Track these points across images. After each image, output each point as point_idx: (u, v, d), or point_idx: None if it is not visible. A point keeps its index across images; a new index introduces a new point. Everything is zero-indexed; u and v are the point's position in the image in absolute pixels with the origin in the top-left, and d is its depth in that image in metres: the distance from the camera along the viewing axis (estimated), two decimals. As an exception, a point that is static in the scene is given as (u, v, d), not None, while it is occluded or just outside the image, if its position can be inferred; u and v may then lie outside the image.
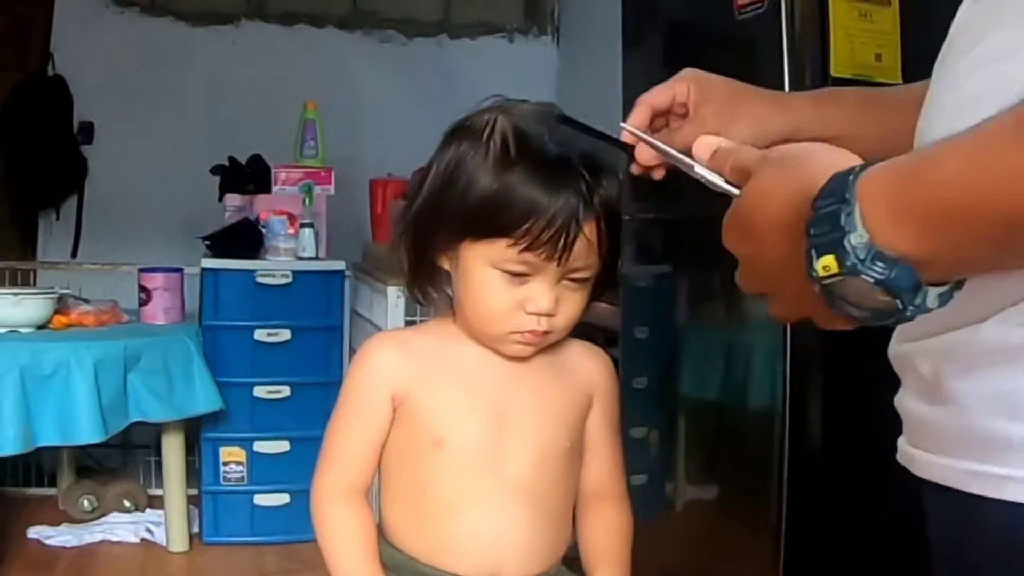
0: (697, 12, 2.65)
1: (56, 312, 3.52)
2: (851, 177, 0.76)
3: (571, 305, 1.38)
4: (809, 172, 0.81)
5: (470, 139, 1.36)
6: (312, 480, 1.45)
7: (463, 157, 1.35)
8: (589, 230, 1.32)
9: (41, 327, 3.46)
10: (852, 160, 0.81)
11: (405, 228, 1.43)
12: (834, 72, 2.20)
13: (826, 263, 0.76)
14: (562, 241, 1.30)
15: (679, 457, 2.73)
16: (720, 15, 2.40)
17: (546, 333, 1.37)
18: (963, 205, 0.72)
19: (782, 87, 2.16)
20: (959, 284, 0.78)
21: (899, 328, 0.91)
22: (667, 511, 2.73)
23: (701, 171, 0.96)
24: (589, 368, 1.51)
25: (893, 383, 0.95)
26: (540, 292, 1.34)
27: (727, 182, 0.93)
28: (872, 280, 0.74)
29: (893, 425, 0.95)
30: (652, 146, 1.17)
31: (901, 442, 0.95)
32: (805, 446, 2.17)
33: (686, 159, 0.99)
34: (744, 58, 2.32)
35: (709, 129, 1.19)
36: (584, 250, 1.32)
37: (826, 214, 0.76)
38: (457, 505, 1.40)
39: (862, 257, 0.74)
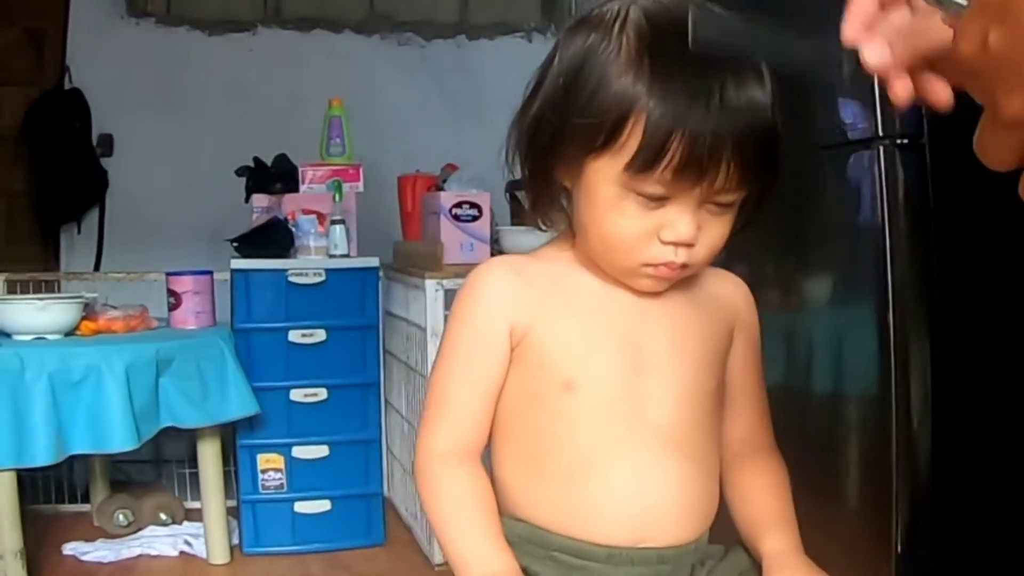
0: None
1: (83, 318, 3.30)
2: None
3: (714, 233, 1.13)
4: None
5: (598, 32, 1.11)
6: (416, 442, 1.20)
7: (589, 55, 1.10)
8: (738, 147, 1.06)
9: (68, 334, 3.24)
10: None
11: (520, 136, 1.17)
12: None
13: None
14: (706, 161, 1.05)
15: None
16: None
17: (684, 267, 1.13)
18: None
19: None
20: None
21: None
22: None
23: None
24: (729, 296, 1.28)
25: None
26: (679, 218, 1.09)
27: None
28: None
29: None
30: None
31: None
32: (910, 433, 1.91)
33: None
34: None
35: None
36: (731, 171, 1.07)
37: None
38: (594, 459, 1.15)
39: None
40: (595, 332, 1.17)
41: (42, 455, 2.87)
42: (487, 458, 1.21)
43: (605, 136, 1.07)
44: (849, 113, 1.97)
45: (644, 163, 1.05)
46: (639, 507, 1.14)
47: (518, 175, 1.21)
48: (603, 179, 1.10)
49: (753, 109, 1.07)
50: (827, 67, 1.89)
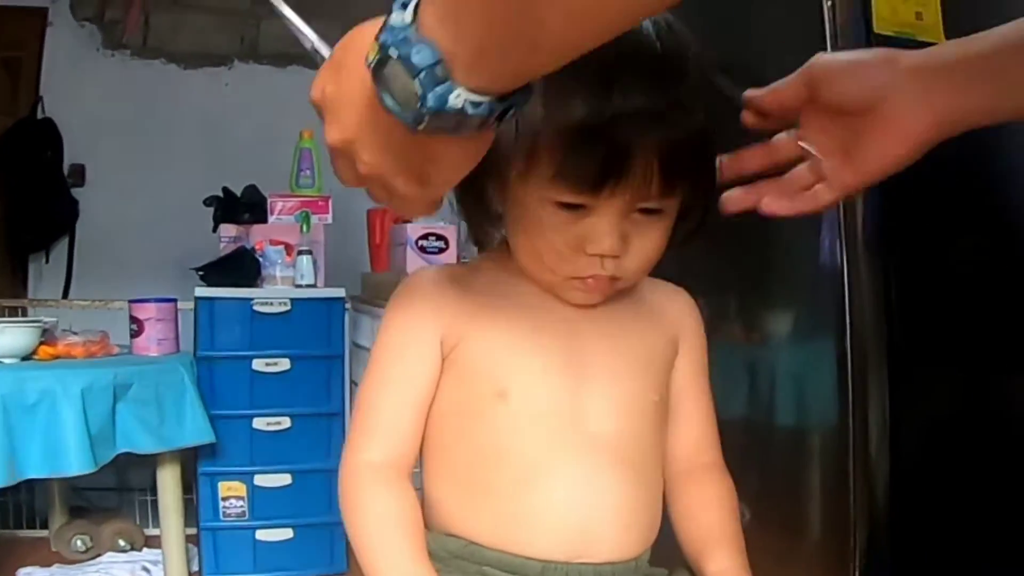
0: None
1: (42, 343, 3.18)
2: None
3: (645, 244, 1.02)
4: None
5: None
6: (342, 458, 1.07)
7: None
8: (658, 150, 0.95)
9: (26, 358, 3.12)
10: None
11: None
12: (876, 29, 1.92)
13: (374, 47, 0.74)
14: (616, 166, 0.95)
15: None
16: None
17: (614, 279, 1.03)
18: None
19: (824, 46, 1.87)
20: (506, 103, 0.75)
21: None
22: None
23: None
24: (674, 309, 1.18)
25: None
26: (601, 229, 0.99)
27: None
28: (396, 56, 0.72)
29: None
30: None
31: None
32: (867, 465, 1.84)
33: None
34: (779, 21, 2.04)
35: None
36: (649, 177, 0.96)
37: (391, 15, 0.73)
38: (529, 471, 1.04)
39: (397, 37, 0.72)
40: (531, 340, 1.07)
41: (-7, 477, 2.74)
42: (418, 475, 1.11)
43: (517, 149, 0.98)
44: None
45: (556, 172, 0.96)
46: (576, 521, 1.04)
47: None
48: (525, 194, 1.00)
49: (671, 111, 0.96)
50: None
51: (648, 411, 1.10)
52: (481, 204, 1.06)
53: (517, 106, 0.75)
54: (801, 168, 1.09)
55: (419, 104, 0.72)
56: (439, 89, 0.71)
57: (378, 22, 0.75)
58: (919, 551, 1.76)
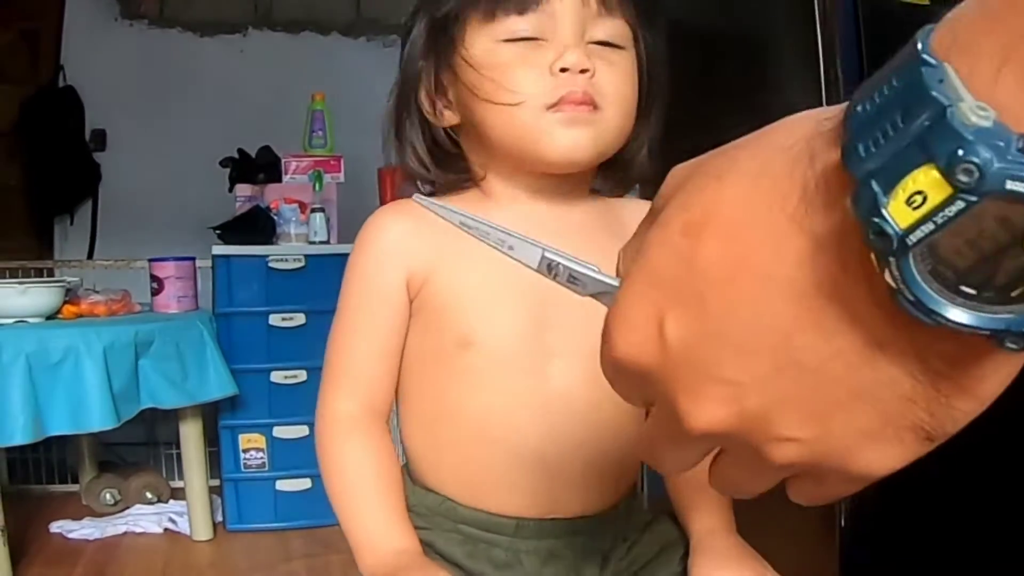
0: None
1: (66, 302, 3.14)
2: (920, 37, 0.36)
3: (612, 69, 0.98)
4: (782, 124, 0.43)
5: None
6: (317, 409, 1.02)
7: None
8: None
9: (50, 318, 3.08)
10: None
11: (402, 90, 1.05)
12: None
13: (915, 188, 0.34)
14: None
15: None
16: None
17: (594, 107, 0.96)
18: None
19: (812, 19, 1.79)
20: None
21: None
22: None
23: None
24: None
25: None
26: (561, 45, 0.96)
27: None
28: (990, 188, 0.33)
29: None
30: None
31: None
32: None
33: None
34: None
35: None
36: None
37: (884, 102, 0.36)
38: (492, 422, 0.98)
39: (978, 149, 0.33)
40: (497, 284, 0.99)
41: (20, 434, 2.71)
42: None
43: (463, 10, 0.97)
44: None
45: (503, 10, 0.95)
46: (543, 473, 0.98)
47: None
48: (480, 49, 0.97)
49: None
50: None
51: None
52: (426, 125, 1.03)
53: None
54: None
55: None
56: None
57: (776, 142, 0.41)
58: (901, 497, 1.75)
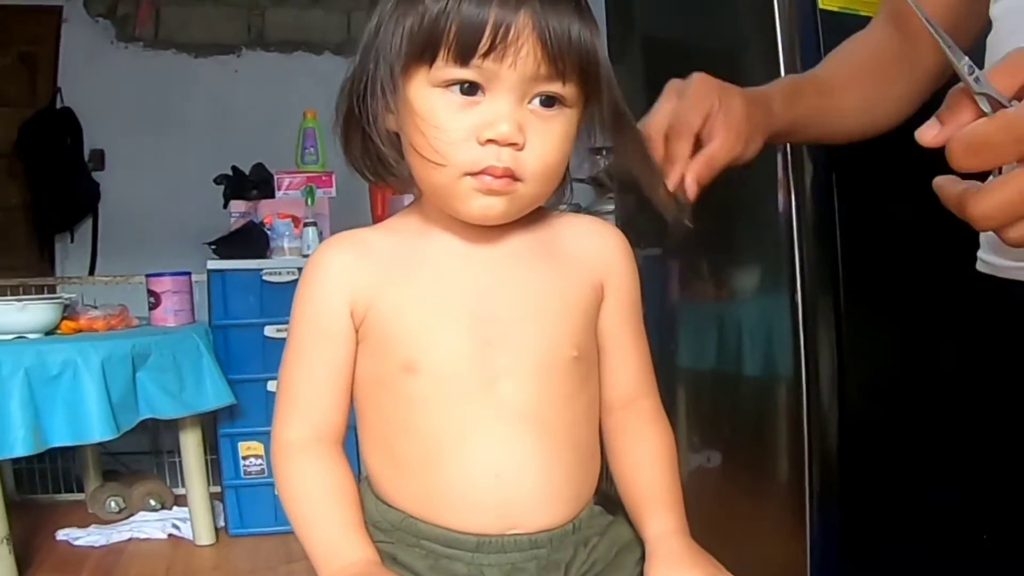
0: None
1: (65, 318, 3.15)
2: None
3: (544, 141, 0.91)
4: None
5: None
6: (271, 437, 0.99)
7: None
8: (542, 27, 0.88)
9: (49, 333, 3.09)
10: None
11: (347, 103, 0.99)
12: (822, 5, 1.85)
13: None
14: (498, 35, 0.87)
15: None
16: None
17: (513, 179, 0.91)
18: None
19: (773, 28, 1.81)
20: None
21: None
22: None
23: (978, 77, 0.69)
24: (596, 248, 1.04)
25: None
26: (495, 111, 0.89)
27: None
28: None
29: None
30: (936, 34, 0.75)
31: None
32: (820, 410, 1.80)
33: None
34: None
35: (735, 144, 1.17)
36: (539, 54, 0.88)
37: None
38: (446, 444, 0.95)
39: None
40: (439, 307, 0.97)
41: (20, 446, 2.71)
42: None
43: (406, 47, 0.91)
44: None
45: (443, 51, 0.89)
46: (500, 492, 0.95)
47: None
48: (416, 89, 0.91)
49: None
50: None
51: (568, 369, 0.99)
52: (369, 139, 0.97)
53: None
54: None
55: None
56: None
57: None
58: (866, 486, 1.76)
